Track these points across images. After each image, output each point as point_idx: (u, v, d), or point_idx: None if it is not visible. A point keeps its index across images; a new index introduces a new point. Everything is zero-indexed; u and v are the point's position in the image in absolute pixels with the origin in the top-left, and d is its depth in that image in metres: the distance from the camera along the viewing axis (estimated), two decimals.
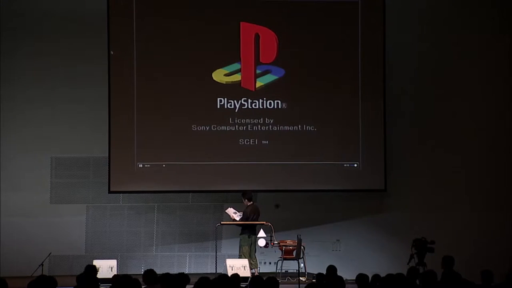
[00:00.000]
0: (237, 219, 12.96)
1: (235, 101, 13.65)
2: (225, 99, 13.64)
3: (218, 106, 13.64)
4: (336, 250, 14.27)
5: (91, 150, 14.11)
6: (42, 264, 12.12)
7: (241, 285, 8.31)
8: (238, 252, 12.96)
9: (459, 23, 14.53)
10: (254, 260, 12.84)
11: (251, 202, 13.09)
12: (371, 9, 13.77)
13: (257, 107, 13.68)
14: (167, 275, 7.96)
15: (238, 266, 11.99)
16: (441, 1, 14.60)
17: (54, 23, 14.13)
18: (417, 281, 8.66)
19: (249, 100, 13.67)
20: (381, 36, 13.75)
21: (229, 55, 13.65)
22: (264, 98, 13.69)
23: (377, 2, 13.80)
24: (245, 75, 13.70)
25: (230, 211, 13.08)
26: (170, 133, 13.57)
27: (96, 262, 11.58)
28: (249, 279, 9.68)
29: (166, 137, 13.55)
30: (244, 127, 13.66)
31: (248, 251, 12.76)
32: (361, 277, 8.06)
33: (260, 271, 12.97)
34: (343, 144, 13.72)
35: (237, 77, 13.67)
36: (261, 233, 12.89)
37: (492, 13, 14.58)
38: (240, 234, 12.95)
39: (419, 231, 12.18)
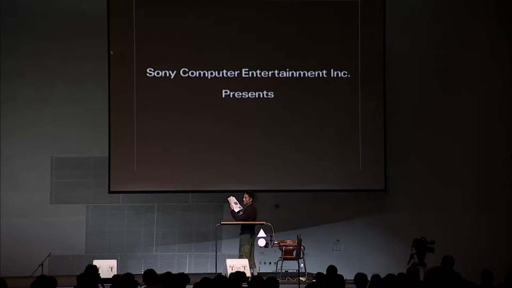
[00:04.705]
0: (236, 210, 12.95)
1: (236, 94, 13.65)
2: (227, 94, 13.66)
3: (219, 106, 13.65)
4: (336, 250, 14.26)
5: (91, 150, 14.10)
6: (42, 264, 12.12)
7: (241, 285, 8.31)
8: (238, 252, 12.97)
9: (459, 22, 14.53)
10: (253, 260, 12.84)
11: (252, 199, 13.10)
12: (371, 8, 13.76)
13: (258, 104, 13.69)
14: (168, 274, 7.94)
15: (238, 266, 12.00)
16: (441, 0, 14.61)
17: (54, 23, 14.12)
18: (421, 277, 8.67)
19: (251, 97, 13.68)
20: (381, 36, 13.73)
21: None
22: (264, 96, 13.72)
23: (377, 1, 13.80)
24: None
25: (232, 200, 13.05)
26: (170, 133, 13.56)
27: (96, 262, 11.59)
28: (249, 279, 9.68)
29: (166, 137, 13.54)
30: (245, 124, 13.66)
31: (249, 251, 12.77)
32: (359, 277, 8.05)
33: (260, 271, 12.97)
34: (343, 144, 13.71)
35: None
36: (261, 233, 12.89)
37: (492, 11, 14.58)
38: (241, 234, 12.95)
39: (419, 231, 12.19)
